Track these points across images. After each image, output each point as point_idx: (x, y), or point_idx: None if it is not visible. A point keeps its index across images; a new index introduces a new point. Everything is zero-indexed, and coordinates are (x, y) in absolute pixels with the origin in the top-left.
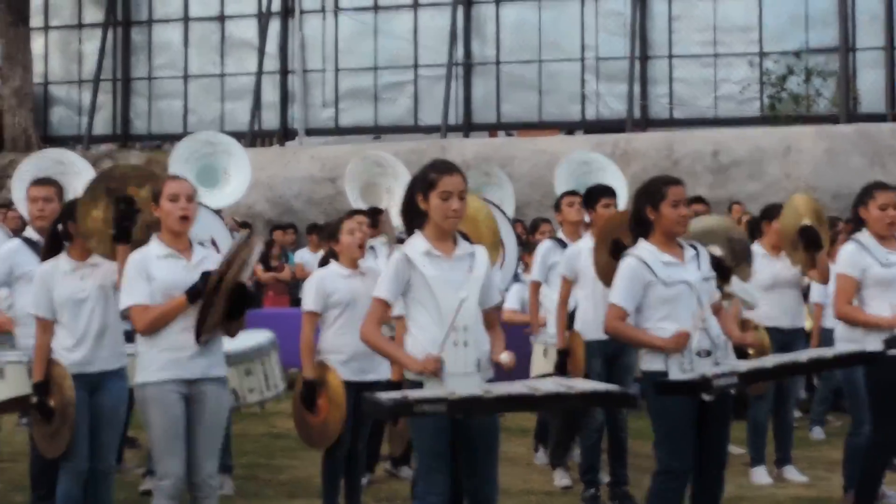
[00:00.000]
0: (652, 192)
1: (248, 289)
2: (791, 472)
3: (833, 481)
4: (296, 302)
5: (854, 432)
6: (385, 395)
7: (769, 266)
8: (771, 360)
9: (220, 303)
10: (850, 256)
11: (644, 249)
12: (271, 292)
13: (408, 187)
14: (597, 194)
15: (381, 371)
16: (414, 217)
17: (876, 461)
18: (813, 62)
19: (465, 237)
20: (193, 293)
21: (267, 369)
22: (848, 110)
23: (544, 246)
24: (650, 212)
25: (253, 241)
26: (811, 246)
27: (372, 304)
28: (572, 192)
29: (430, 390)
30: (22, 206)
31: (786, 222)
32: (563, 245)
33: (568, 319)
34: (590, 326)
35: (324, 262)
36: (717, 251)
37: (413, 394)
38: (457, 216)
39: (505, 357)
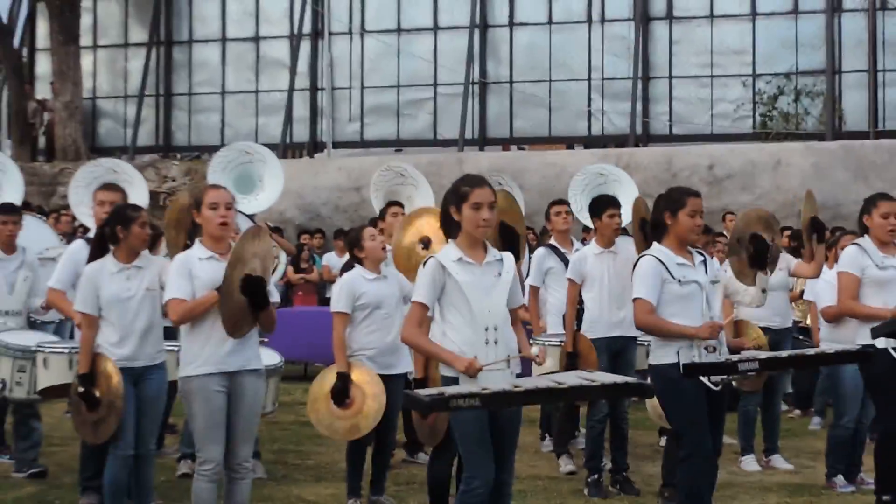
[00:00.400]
0: (674, 200)
1: (261, 280)
2: (778, 461)
3: (817, 469)
4: (323, 301)
5: (835, 424)
6: (423, 392)
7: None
8: (784, 353)
9: (235, 295)
10: (852, 257)
11: (660, 251)
12: (300, 292)
13: (443, 200)
14: (604, 204)
15: (403, 365)
16: (450, 227)
17: (891, 451)
18: (802, 83)
19: (510, 230)
20: (219, 289)
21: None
22: (834, 128)
23: (539, 252)
24: (668, 217)
25: (261, 234)
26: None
27: (411, 308)
28: (560, 202)
29: (465, 386)
30: (79, 211)
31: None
32: (556, 251)
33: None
34: (597, 326)
35: (348, 266)
36: (768, 238)
37: (449, 390)
38: (487, 225)
39: (535, 350)
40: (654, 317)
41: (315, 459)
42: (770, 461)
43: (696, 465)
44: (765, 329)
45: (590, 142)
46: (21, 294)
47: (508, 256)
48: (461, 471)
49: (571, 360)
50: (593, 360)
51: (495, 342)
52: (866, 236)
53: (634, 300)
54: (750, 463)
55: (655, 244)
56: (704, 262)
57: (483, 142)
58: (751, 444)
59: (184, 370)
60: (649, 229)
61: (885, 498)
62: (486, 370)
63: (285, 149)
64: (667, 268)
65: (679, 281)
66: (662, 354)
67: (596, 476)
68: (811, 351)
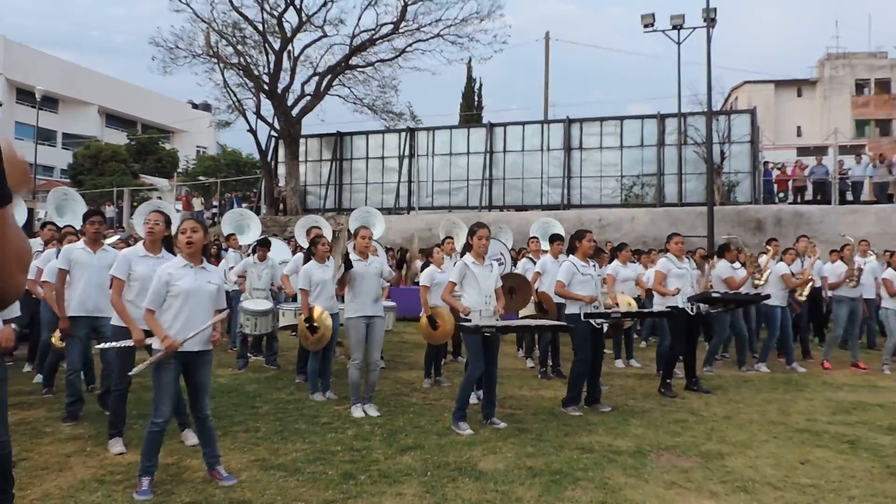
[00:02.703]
0: (580, 234)
1: (349, 256)
2: (633, 362)
3: (652, 367)
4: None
5: (660, 344)
6: (470, 324)
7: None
8: (633, 311)
9: (339, 265)
10: (663, 263)
11: (573, 259)
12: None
13: (468, 234)
14: (554, 238)
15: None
16: (468, 247)
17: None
18: (644, 180)
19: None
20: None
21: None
22: (660, 201)
23: (522, 261)
24: (577, 242)
25: (342, 235)
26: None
27: (448, 284)
28: (532, 238)
29: (483, 321)
30: (299, 238)
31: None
32: (533, 261)
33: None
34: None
35: (424, 265)
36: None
37: (482, 323)
38: (484, 248)
39: (500, 310)
40: (565, 290)
41: (410, 360)
42: (629, 363)
43: (584, 366)
44: (636, 298)
45: (542, 207)
46: (265, 280)
47: (495, 264)
48: (466, 366)
49: (541, 307)
50: (552, 306)
51: (487, 303)
52: (669, 253)
53: (557, 281)
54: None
55: (571, 255)
56: (595, 267)
57: (490, 207)
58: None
59: (346, 313)
60: (567, 249)
61: None
62: (483, 316)
63: (397, 209)
64: (576, 267)
65: (582, 273)
66: (573, 309)
67: (545, 369)
68: (644, 310)
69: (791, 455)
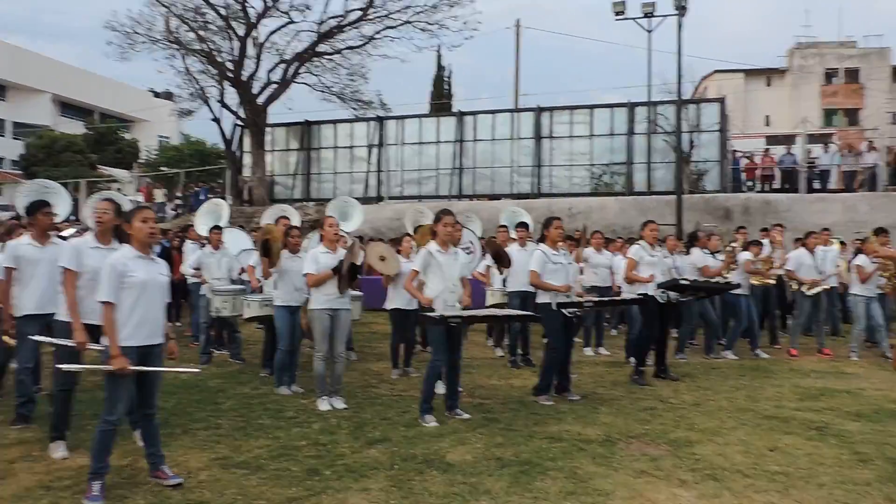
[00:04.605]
0: (548, 223)
1: (360, 267)
2: (602, 350)
3: (622, 355)
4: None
5: (630, 332)
6: (434, 314)
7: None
8: (605, 299)
9: (347, 273)
10: (635, 251)
11: (543, 247)
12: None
13: (433, 220)
14: (519, 225)
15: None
16: (434, 235)
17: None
18: (614, 168)
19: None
20: (335, 269)
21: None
22: (630, 190)
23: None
24: (546, 230)
25: (356, 246)
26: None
27: (410, 273)
28: (503, 226)
29: (443, 312)
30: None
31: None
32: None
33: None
34: (516, 285)
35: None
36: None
37: (448, 314)
38: (449, 236)
39: (466, 299)
40: (540, 280)
41: (380, 351)
42: (598, 350)
43: (557, 355)
44: (596, 287)
45: (512, 196)
46: (225, 269)
47: (461, 251)
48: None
49: (497, 259)
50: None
51: (453, 292)
52: (642, 241)
53: (531, 271)
54: (587, 351)
55: (541, 244)
56: (566, 255)
57: (460, 196)
58: (588, 340)
59: (311, 305)
60: (541, 237)
61: None
62: (448, 306)
63: (366, 199)
64: (547, 256)
65: (553, 262)
66: (543, 298)
67: (514, 358)
68: (616, 298)
69: (760, 442)
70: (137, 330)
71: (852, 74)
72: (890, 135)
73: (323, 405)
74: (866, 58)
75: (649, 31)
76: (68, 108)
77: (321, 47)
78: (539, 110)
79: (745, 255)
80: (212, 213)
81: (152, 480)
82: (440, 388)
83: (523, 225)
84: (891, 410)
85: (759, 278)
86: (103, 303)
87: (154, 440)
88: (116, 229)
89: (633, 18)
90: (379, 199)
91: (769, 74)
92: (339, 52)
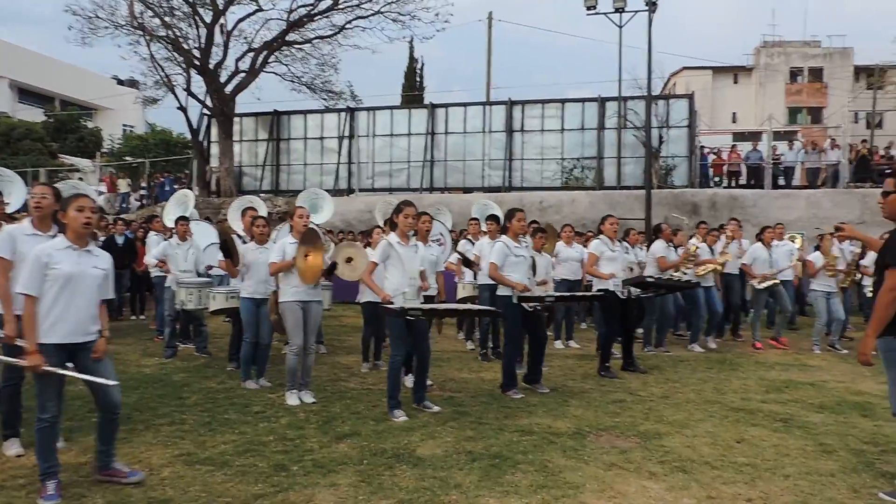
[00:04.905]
0: (510, 215)
1: (334, 266)
2: (572, 344)
3: (592, 348)
4: None
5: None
6: (395, 307)
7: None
8: (567, 294)
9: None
10: (595, 245)
11: (505, 239)
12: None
13: (393, 211)
14: (490, 218)
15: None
16: (393, 226)
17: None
18: (584, 163)
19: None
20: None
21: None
22: (600, 184)
23: (462, 242)
24: (508, 223)
25: (318, 240)
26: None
27: (369, 264)
28: (474, 219)
29: (401, 305)
30: (234, 223)
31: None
32: (472, 243)
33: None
34: (485, 277)
35: (366, 246)
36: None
37: (409, 306)
38: (409, 227)
39: (439, 293)
40: (499, 273)
41: (349, 344)
42: (568, 343)
43: (515, 348)
44: (566, 281)
45: (483, 189)
46: (192, 261)
47: (422, 244)
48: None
49: (465, 262)
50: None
51: (411, 284)
52: (602, 235)
53: (490, 263)
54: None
55: (503, 236)
56: (527, 246)
57: (431, 189)
58: (558, 333)
59: (281, 298)
60: (501, 229)
61: None
62: (408, 299)
63: (336, 192)
64: (508, 248)
65: (514, 255)
66: (505, 291)
67: (485, 351)
68: (575, 293)
69: (727, 434)
70: (58, 326)
71: (816, 73)
72: (852, 133)
73: (291, 399)
74: (830, 57)
75: (620, 27)
76: (27, 94)
77: (291, 36)
78: (511, 104)
79: (703, 248)
80: (181, 203)
81: (103, 480)
82: (409, 381)
83: (494, 218)
84: (853, 402)
85: (704, 268)
86: (24, 295)
87: (108, 437)
88: (55, 216)
89: (605, 13)
90: (350, 191)
91: (736, 72)
92: (309, 41)
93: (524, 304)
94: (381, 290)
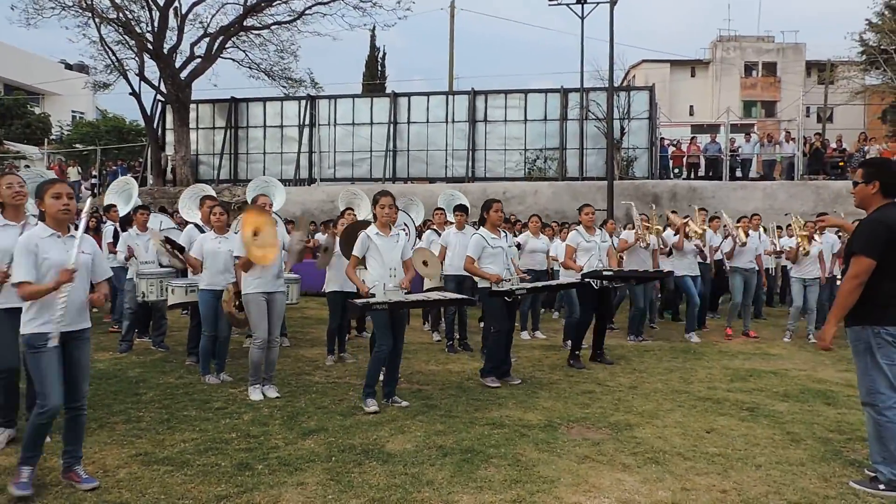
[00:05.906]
0: (487, 206)
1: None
2: (538, 334)
3: (558, 338)
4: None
5: (568, 316)
6: (359, 301)
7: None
8: (539, 284)
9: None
10: (572, 236)
11: (483, 231)
12: (308, 255)
13: (371, 203)
14: (458, 208)
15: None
16: (374, 217)
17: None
18: (547, 154)
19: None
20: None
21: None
22: (563, 175)
23: (427, 233)
24: (486, 214)
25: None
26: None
27: (352, 258)
28: (438, 209)
29: (379, 298)
30: (185, 213)
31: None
32: (437, 233)
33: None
34: (452, 269)
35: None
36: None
37: (372, 300)
38: (388, 217)
39: (406, 283)
40: (474, 266)
41: (312, 336)
42: (535, 334)
43: (503, 337)
44: (532, 271)
45: (446, 179)
46: (153, 252)
47: (402, 234)
48: (372, 342)
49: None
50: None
51: (393, 276)
52: (580, 225)
53: (466, 256)
54: (525, 336)
55: (480, 228)
56: (506, 236)
57: (394, 179)
58: (535, 324)
59: (244, 289)
60: (480, 220)
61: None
62: (388, 290)
63: (298, 181)
64: (486, 240)
65: (492, 247)
66: (483, 284)
67: (451, 342)
68: (553, 282)
69: (697, 424)
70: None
71: (770, 68)
72: (805, 126)
73: (255, 394)
74: (783, 52)
75: (582, 18)
76: None
77: (248, 21)
78: (474, 93)
79: (669, 235)
80: (122, 191)
81: (64, 481)
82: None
83: (461, 208)
84: (815, 391)
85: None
86: (21, 284)
87: (76, 438)
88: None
89: (567, 4)
90: (311, 181)
91: (693, 65)
92: (267, 27)
93: (505, 296)
94: (361, 283)
